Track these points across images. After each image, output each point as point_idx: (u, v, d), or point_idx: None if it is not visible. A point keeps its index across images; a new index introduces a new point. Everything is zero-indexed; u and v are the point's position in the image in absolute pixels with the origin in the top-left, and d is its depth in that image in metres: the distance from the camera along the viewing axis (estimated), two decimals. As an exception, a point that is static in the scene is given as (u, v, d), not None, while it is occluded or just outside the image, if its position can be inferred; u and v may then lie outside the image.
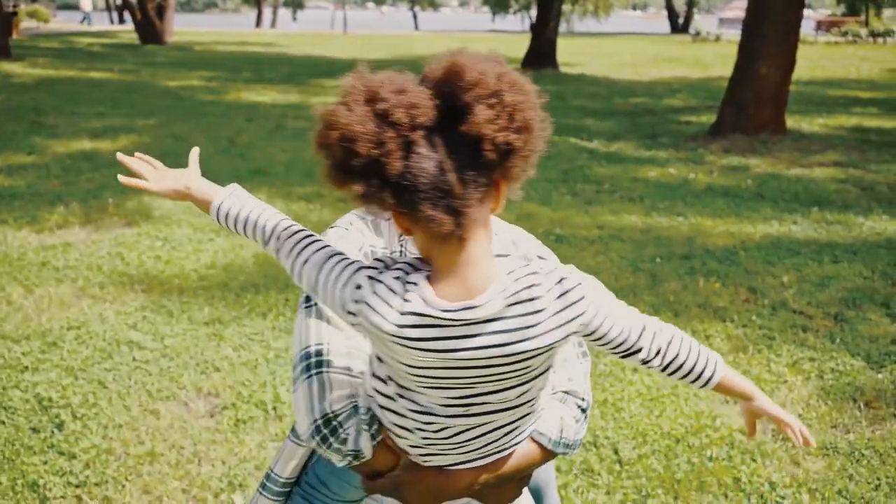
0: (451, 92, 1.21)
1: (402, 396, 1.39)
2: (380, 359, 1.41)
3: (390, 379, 1.40)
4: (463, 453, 1.46)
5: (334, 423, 1.46)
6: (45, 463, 3.42)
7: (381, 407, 1.44)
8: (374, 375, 1.43)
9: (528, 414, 1.46)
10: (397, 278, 1.30)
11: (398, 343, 1.29)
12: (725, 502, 3.31)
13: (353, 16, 50.87)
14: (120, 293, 5.33)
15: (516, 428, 1.47)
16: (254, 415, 3.85)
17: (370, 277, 1.32)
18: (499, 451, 1.48)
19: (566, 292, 1.31)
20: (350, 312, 1.33)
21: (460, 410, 1.38)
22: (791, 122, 12.24)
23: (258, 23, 54.48)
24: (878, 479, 3.47)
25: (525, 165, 1.26)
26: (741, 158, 10.27)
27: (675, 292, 5.49)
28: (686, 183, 8.90)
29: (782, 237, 6.86)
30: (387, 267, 1.34)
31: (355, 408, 1.48)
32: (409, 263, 1.33)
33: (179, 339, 4.64)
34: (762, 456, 3.63)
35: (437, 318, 1.26)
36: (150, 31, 29.17)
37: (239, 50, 28.76)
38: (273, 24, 56.60)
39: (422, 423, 1.40)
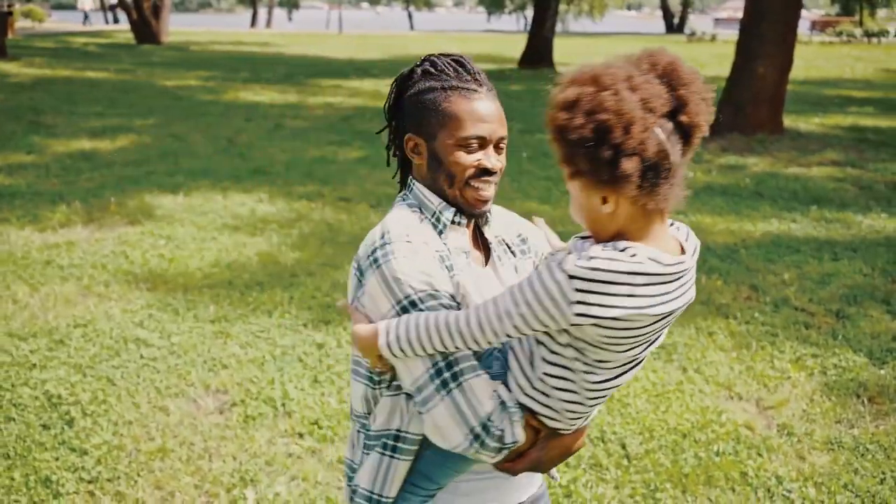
0: (671, 85, 1.37)
1: (586, 372, 1.48)
2: (559, 347, 1.49)
3: (576, 360, 1.47)
4: (594, 410, 1.62)
5: (488, 423, 1.50)
6: (57, 459, 3.44)
7: (556, 389, 1.51)
8: (548, 362, 1.50)
9: None
10: (608, 249, 1.39)
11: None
12: (733, 496, 3.34)
13: (347, 16, 50.92)
14: (125, 291, 5.34)
15: None
16: (263, 411, 3.87)
17: (578, 265, 1.36)
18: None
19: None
20: (575, 302, 1.36)
21: (624, 369, 1.52)
22: (788, 121, 12.29)
23: (253, 23, 54.43)
24: (884, 472, 3.51)
25: None
26: (739, 157, 10.31)
27: (678, 290, 5.51)
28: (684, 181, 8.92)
29: (782, 235, 6.90)
30: (577, 251, 1.43)
31: (502, 403, 1.53)
32: (587, 240, 1.46)
33: (186, 337, 4.66)
34: (768, 451, 3.66)
35: (665, 274, 1.40)
36: (145, 30, 29.10)
37: (235, 50, 28.72)
38: (268, 23, 56.53)
39: (597, 391, 1.52)
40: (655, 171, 1.35)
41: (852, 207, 7.86)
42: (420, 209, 1.69)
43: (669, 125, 1.36)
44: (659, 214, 1.43)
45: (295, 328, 4.81)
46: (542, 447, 1.59)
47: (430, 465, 1.65)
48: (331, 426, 3.75)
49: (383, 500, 1.66)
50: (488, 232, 1.78)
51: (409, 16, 62.51)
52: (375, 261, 1.57)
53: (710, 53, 29.53)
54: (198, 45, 30.58)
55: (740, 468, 3.52)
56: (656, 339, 1.52)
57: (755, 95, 11.46)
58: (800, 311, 5.23)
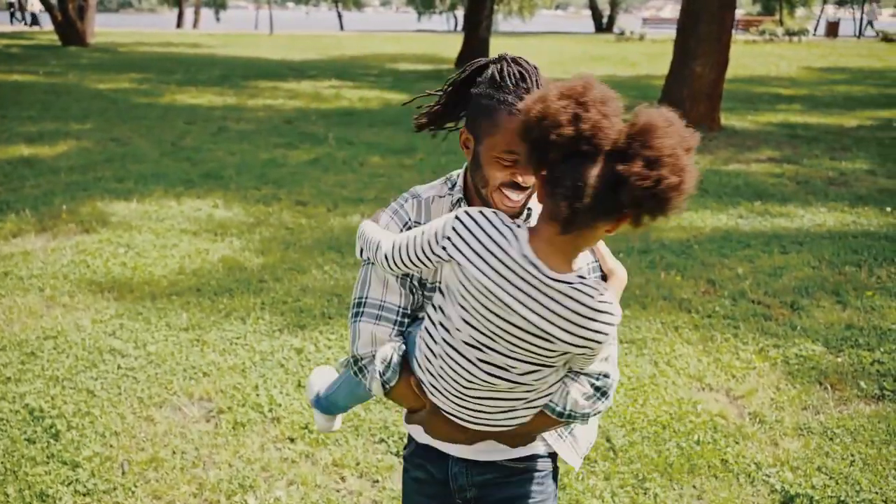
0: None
1: (444, 327, 1.70)
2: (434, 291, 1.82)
3: (439, 308, 1.72)
4: (465, 409, 1.76)
5: (358, 361, 1.85)
6: (49, 473, 3.40)
7: (423, 351, 1.77)
8: (427, 316, 1.77)
9: (526, 395, 1.72)
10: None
11: None
12: (717, 483, 3.49)
13: (275, 15, 50.31)
14: (91, 301, 5.26)
15: (513, 409, 1.74)
16: (251, 417, 3.88)
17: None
18: (495, 426, 1.78)
19: None
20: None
21: (470, 356, 1.68)
22: (723, 119, 12.68)
23: (179, 23, 53.41)
24: (852, 455, 3.70)
25: None
26: (680, 155, 10.58)
27: (641, 286, 5.69)
28: (632, 180, 9.15)
29: (731, 230, 7.15)
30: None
31: (374, 355, 1.82)
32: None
33: (162, 346, 4.62)
34: (743, 438, 3.83)
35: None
36: (70, 32, 28.34)
37: (165, 51, 28.20)
38: (195, 24, 55.53)
39: (448, 368, 1.71)
40: None
41: (793, 202, 8.18)
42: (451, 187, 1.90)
43: None
44: None
45: (271, 334, 4.82)
46: (424, 414, 1.83)
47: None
48: (321, 430, 3.78)
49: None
50: None
51: (339, 16, 62.15)
52: None
53: (639, 52, 30.19)
54: (125, 46, 29.95)
55: (720, 456, 3.67)
56: (517, 357, 1.65)
57: (693, 93, 11.81)
58: (757, 304, 5.45)
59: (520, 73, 1.71)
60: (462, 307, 1.63)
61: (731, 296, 5.58)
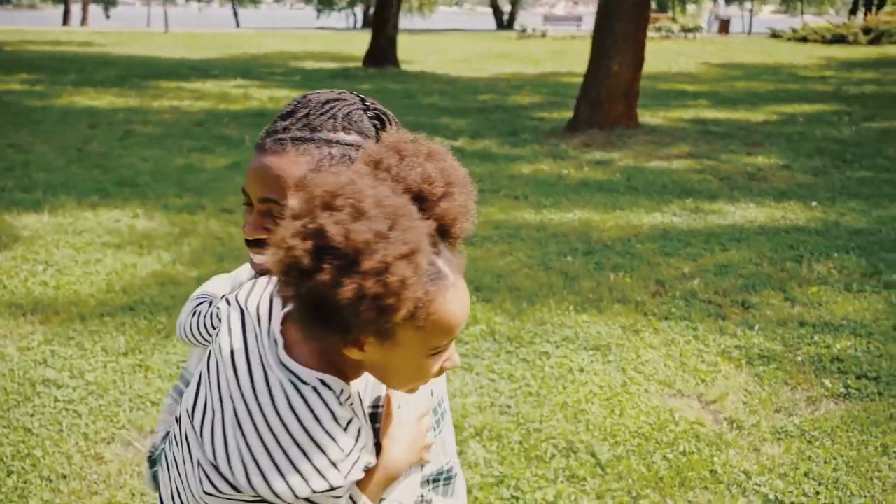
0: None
1: None
2: None
3: None
4: None
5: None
6: (-6, 528, 3.05)
7: None
8: None
9: None
10: None
11: None
12: (711, 496, 3.40)
13: (167, 12, 48.63)
14: (13, 326, 4.83)
15: None
16: (213, 451, 3.58)
17: None
18: None
19: None
20: None
21: None
22: (638, 115, 12.82)
23: (66, 20, 51.11)
24: (835, 458, 3.68)
25: None
26: (603, 153, 10.65)
27: (593, 289, 5.60)
28: (561, 178, 9.13)
29: (668, 228, 7.16)
30: None
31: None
32: None
33: (101, 374, 4.26)
34: (726, 446, 3.77)
35: None
36: (-51, 30, 26.70)
37: (55, 50, 26.87)
38: (83, 21, 53.21)
39: None
40: None
41: (721, 199, 8.28)
42: None
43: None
44: None
45: (219, 355, 4.50)
46: None
47: None
48: (291, 460, 3.52)
49: None
50: None
51: (235, 12, 60.65)
52: None
53: (543, 50, 30.48)
54: (10, 44, 28.42)
55: (708, 466, 3.59)
56: None
57: (611, 92, 11.88)
58: (709, 304, 5.43)
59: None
60: None
61: (682, 296, 5.55)
